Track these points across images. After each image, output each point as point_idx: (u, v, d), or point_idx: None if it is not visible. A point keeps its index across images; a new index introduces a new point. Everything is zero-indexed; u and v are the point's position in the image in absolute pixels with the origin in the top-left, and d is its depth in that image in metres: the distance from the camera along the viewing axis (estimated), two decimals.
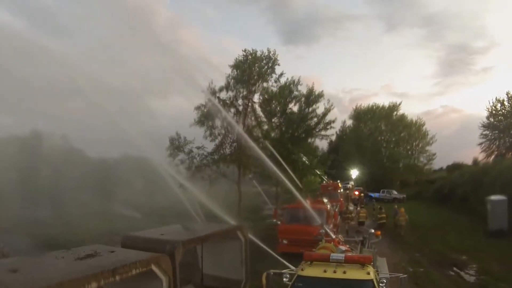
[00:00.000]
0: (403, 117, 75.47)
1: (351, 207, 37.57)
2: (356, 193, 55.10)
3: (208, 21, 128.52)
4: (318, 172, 45.12)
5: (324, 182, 48.30)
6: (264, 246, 19.01)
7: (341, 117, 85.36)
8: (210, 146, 34.92)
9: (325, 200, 29.31)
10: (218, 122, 34.35)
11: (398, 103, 75.79)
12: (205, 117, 33.68)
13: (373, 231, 17.96)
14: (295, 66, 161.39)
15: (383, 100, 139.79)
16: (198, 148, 34.26)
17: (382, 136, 75.37)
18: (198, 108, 33.49)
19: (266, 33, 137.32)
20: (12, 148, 47.69)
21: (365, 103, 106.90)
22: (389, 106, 75.78)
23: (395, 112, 75.59)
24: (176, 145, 33.53)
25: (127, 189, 45.62)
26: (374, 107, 76.85)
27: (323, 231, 16.92)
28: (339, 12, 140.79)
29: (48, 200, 43.96)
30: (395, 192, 60.39)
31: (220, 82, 34.82)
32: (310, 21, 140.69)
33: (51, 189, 43.93)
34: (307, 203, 24.95)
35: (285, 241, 23.36)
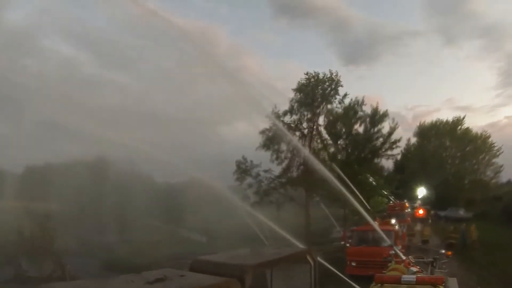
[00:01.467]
0: (467, 131, 72.64)
1: (418, 227, 36.50)
2: (421, 212, 53.40)
3: (269, 46, 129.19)
4: (385, 193, 44.08)
5: (391, 202, 47.04)
6: (333, 269, 18.66)
7: (405, 135, 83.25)
8: (277, 169, 34.80)
9: (393, 221, 28.84)
10: (284, 146, 34.23)
11: (461, 117, 73.25)
12: (270, 141, 33.64)
13: (443, 251, 17.25)
14: (357, 86, 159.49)
15: (446, 115, 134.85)
16: (265, 171, 34.22)
17: (446, 152, 72.94)
18: (263, 132, 33.54)
19: (327, 55, 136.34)
20: (80, 173, 49.42)
21: (428, 119, 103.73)
22: (453, 121, 73.28)
23: (459, 127, 72.95)
24: (243, 169, 33.62)
25: (194, 213, 46.09)
26: (438, 123, 74.60)
27: (393, 252, 16.49)
28: (397, 29, 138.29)
29: (115, 224, 45.01)
30: (461, 212, 58.05)
31: (284, 106, 34.79)
32: (369, 40, 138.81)
33: (118, 214, 44.99)
34: (375, 224, 24.38)
35: (354, 263, 22.86)
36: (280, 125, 33.69)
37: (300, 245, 17.65)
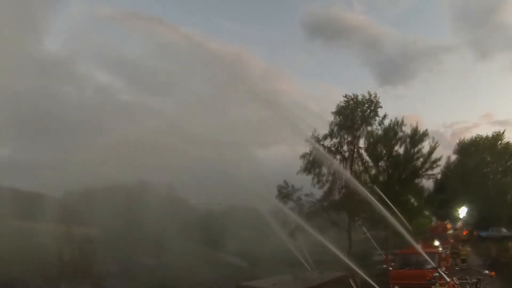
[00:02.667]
0: (508, 145, 70.82)
1: (460, 248, 35.75)
2: (464, 233, 52.34)
3: (303, 68, 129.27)
4: (427, 213, 43.28)
5: (433, 223, 46.09)
6: None
7: (444, 153, 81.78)
8: (318, 193, 34.56)
9: (437, 243, 28.38)
10: (324, 169, 33.99)
11: (501, 132, 71.57)
12: (311, 165, 33.45)
13: (487, 271, 16.73)
14: (394, 105, 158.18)
15: (485, 130, 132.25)
16: (306, 195, 34.01)
17: (487, 168, 71.22)
18: (303, 156, 33.42)
19: (362, 75, 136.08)
20: (118, 197, 50.00)
21: (467, 135, 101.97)
22: (493, 136, 71.67)
23: (499, 142, 71.24)
24: (285, 194, 33.47)
25: (233, 238, 45.99)
26: (478, 139, 73.00)
27: (437, 274, 16.12)
28: (429, 44, 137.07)
29: (153, 247, 45.18)
30: (504, 230, 56.46)
31: (322, 128, 34.62)
32: (402, 58, 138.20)
33: (156, 237, 45.19)
34: (419, 247, 24.00)
35: (397, 287, 22.50)
36: (321, 149, 33.50)
37: (342, 269, 17.44)
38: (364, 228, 42.11)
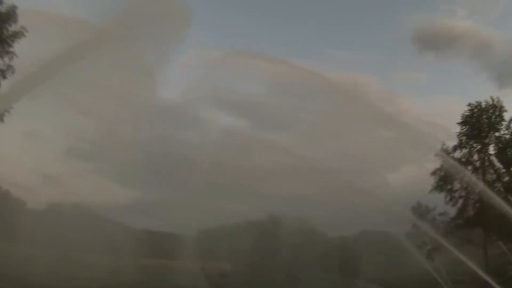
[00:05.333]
0: None
1: None
2: None
3: (417, 84, 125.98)
4: None
5: None
6: None
7: None
8: (451, 211, 33.40)
9: None
10: (457, 184, 32.87)
11: None
12: (443, 181, 32.55)
13: None
14: None
15: None
16: (440, 215, 33.05)
17: None
18: (434, 173, 32.62)
19: (476, 82, 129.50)
20: (251, 233, 51.74)
21: None
22: None
23: None
24: (419, 215, 32.80)
25: (368, 264, 45.60)
26: None
27: None
28: None
29: (288, 278, 45.91)
30: None
31: (449, 142, 33.72)
32: None
33: (291, 269, 45.92)
34: None
35: None
36: (451, 160, 32.52)
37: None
38: (500, 243, 39.50)
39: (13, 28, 17.73)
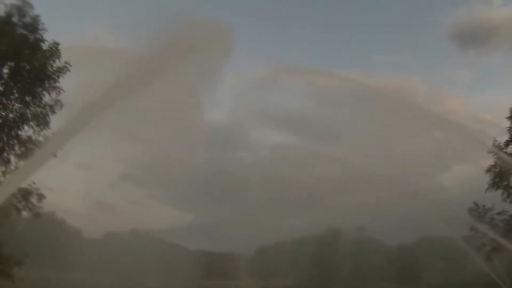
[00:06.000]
0: None
1: None
2: None
3: (461, 82, 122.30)
4: None
5: None
6: None
7: None
8: (510, 208, 31.16)
9: None
10: None
11: None
12: (499, 178, 30.41)
13: None
14: None
15: None
16: (499, 214, 30.86)
17: None
18: (489, 170, 30.59)
19: None
20: (309, 247, 51.14)
21: None
22: None
23: None
24: (477, 215, 30.78)
25: (428, 270, 43.92)
26: None
27: None
28: None
29: None
30: None
31: (501, 137, 31.66)
32: None
33: (351, 281, 44.86)
34: None
35: None
36: (505, 156, 30.45)
37: None
38: None
39: (57, 64, 18.39)
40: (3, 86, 17.50)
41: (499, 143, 31.61)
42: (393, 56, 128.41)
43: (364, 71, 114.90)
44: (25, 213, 18.37)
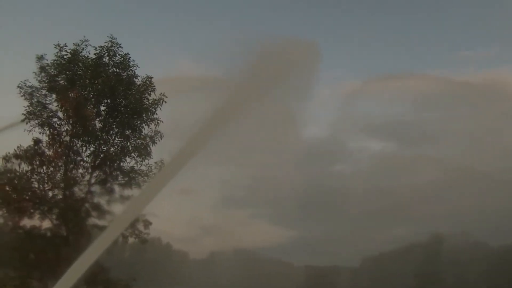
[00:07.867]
0: None
1: None
2: None
3: None
4: None
5: None
6: None
7: None
8: None
9: None
10: None
11: None
12: None
13: None
14: None
15: None
16: None
17: None
18: None
19: None
20: (413, 255, 49.73)
21: None
22: None
23: None
24: None
25: None
26: None
27: None
28: None
29: None
30: None
31: None
32: None
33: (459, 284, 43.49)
34: None
35: None
36: None
37: None
38: None
39: (152, 96, 19.51)
40: (102, 123, 18.75)
41: None
42: (480, 51, 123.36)
43: (455, 68, 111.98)
44: (132, 239, 19.39)
